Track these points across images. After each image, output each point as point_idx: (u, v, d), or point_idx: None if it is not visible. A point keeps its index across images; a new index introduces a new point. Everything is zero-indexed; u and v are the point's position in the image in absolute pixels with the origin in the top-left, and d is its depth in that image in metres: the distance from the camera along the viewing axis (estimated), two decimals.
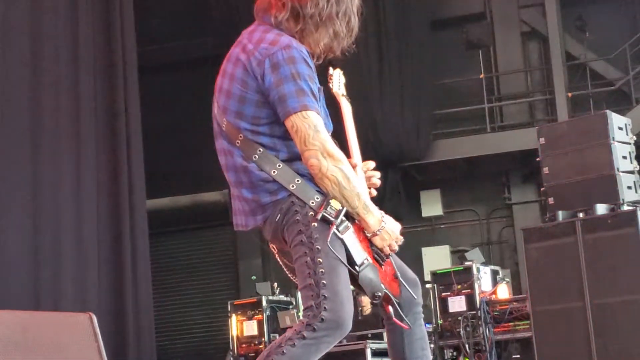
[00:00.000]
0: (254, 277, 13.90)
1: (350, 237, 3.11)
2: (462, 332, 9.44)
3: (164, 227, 14.30)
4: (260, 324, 10.91)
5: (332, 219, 3.06)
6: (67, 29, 9.17)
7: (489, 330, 9.33)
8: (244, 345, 10.99)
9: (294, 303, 11.62)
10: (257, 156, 3.14)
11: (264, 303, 11.00)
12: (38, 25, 8.74)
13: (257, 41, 3.17)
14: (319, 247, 3.05)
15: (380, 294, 3.12)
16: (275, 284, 11.83)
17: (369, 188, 3.40)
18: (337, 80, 3.59)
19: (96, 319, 5.56)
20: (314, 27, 3.21)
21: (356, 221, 3.17)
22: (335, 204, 3.08)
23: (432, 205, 14.49)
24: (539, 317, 7.31)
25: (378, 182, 3.45)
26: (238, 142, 3.18)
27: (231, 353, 11.14)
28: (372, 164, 3.47)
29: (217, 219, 15.33)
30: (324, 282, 3.03)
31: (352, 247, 3.10)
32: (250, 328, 10.97)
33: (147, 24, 12.55)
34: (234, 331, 11.08)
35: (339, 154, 3.11)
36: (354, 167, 3.30)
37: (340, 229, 3.08)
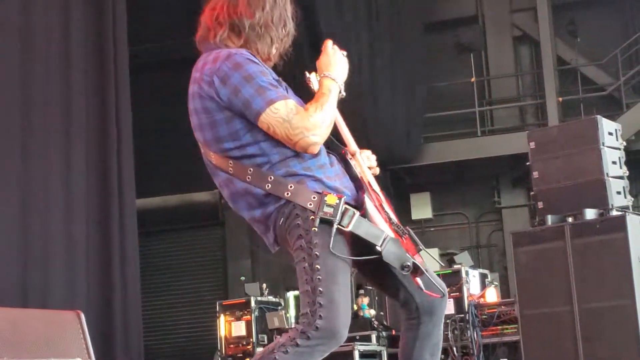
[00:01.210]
0: (243, 278, 13.88)
1: (361, 222, 3.04)
2: (450, 335, 9.44)
3: (154, 226, 14.28)
4: (248, 324, 10.90)
5: (330, 218, 3.01)
6: (58, 26, 9.15)
7: (476, 333, 9.33)
8: (232, 346, 10.98)
9: (283, 304, 11.62)
10: (249, 177, 3.12)
11: (253, 304, 10.99)
12: (28, 21, 8.71)
13: (202, 67, 3.19)
14: (318, 254, 3.01)
15: (409, 263, 3.02)
16: (264, 285, 11.83)
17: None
18: (315, 81, 3.53)
19: (84, 317, 5.55)
20: (255, 37, 3.23)
21: (370, 198, 3.14)
22: (330, 200, 3.03)
23: (421, 208, 14.50)
24: (527, 320, 7.33)
25: (376, 167, 3.42)
26: (231, 170, 3.16)
27: (219, 353, 11.12)
28: (369, 152, 3.43)
29: (206, 219, 15.33)
30: (321, 289, 2.98)
31: (365, 232, 3.03)
32: (239, 328, 10.96)
33: (139, 22, 12.52)
34: (222, 331, 11.07)
35: (314, 118, 3.08)
36: (352, 154, 3.30)
37: (344, 222, 3.02)
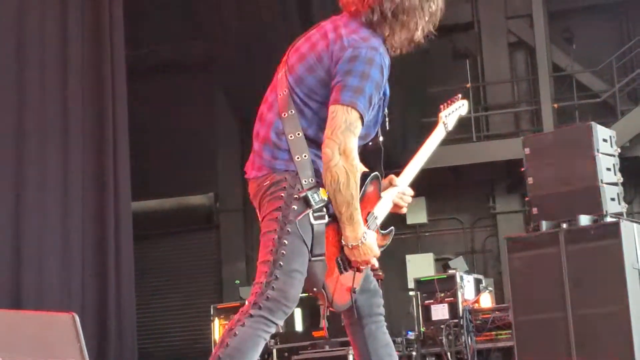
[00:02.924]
0: (237, 281, 13.90)
1: (320, 228, 3.16)
2: (444, 340, 9.47)
3: (149, 229, 14.27)
4: None
5: (312, 202, 3.12)
6: (54, 30, 9.15)
7: (471, 338, 9.35)
8: None
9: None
10: (287, 114, 3.21)
11: None
12: (24, 25, 8.71)
13: (351, 31, 3.22)
14: (289, 230, 3.12)
15: (315, 289, 3.18)
16: None
17: (399, 208, 3.52)
18: (453, 109, 3.74)
19: (79, 319, 5.56)
20: (398, 24, 3.26)
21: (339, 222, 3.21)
22: (323, 193, 3.14)
23: (416, 213, 14.51)
24: (521, 326, 7.33)
25: (405, 204, 3.57)
26: (281, 94, 3.25)
27: None
28: (410, 191, 3.62)
29: (202, 223, 15.35)
30: (281, 263, 3.10)
31: (316, 238, 3.15)
32: None
33: (137, 27, 12.54)
34: (216, 335, 11.07)
35: (355, 160, 3.14)
36: (393, 185, 3.49)
37: (315, 215, 3.13)
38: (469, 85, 14.27)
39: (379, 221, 3.38)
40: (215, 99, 14.89)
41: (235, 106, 13.98)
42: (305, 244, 3.13)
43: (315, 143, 3.19)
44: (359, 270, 3.27)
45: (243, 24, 11.80)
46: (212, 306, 11.47)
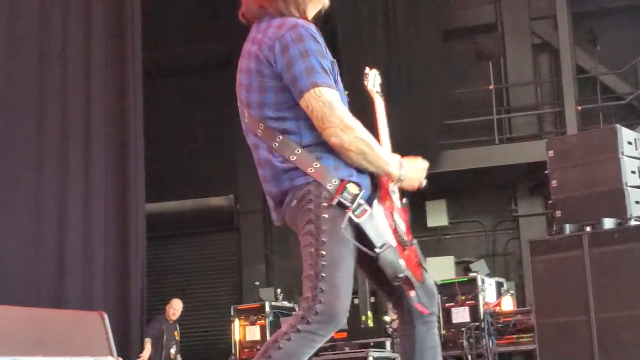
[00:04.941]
0: (257, 283, 13.89)
1: (369, 220, 3.10)
2: (465, 343, 9.41)
3: (170, 230, 14.30)
4: (262, 329, 10.92)
5: (348, 203, 3.06)
6: (77, 31, 9.19)
7: (492, 342, 9.30)
8: (246, 350, 10.99)
9: (297, 309, 11.60)
10: (277, 144, 3.16)
11: (267, 308, 11.01)
12: (47, 28, 8.74)
13: (265, 28, 3.20)
14: (325, 240, 3.06)
15: (401, 275, 3.11)
16: (279, 290, 11.82)
17: None
18: (373, 78, 3.65)
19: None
20: None
21: (381, 203, 3.19)
22: (352, 189, 3.08)
23: (437, 216, 14.46)
24: (544, 330, 7.27)
25: None
26: (259, 132, 3.21)
27: (233, 357, 11.14)
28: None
29: (222, 224, 15.35)
30: (323, 274, 3.04)
31: (370, 230, 3.09)
32: (253, 333, 10.99)
33: (157, 29, 12.57)
34: (236, 336, 11.09)
35: (355, 123, 3.11)
36: None
37: (356, 213, 3.07)
38: (492, 86, 14.20)
39: (397, 195, 3.34)
40: (235, 100, 14.89)
41: None
42: (348, 248, 3.07)
43: (318, 144, 3.15)
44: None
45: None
46: (232, 307, 11.48)
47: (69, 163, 8.87)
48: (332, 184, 3.09)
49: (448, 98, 14.09)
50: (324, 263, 3.04)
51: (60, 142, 8.82)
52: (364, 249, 3.08)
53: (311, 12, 3.32)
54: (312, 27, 3.20)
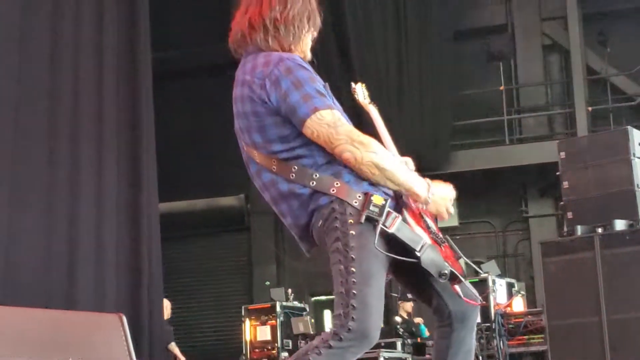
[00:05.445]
0: (268, 283, 13.93)
1: (402, 226, 3.07)
2: (476, 344, 9.43)
3: (180, 230, 14.34)
4: (273, 329, 10.95)
5: (376, 217, 3.03)
6: (88, 32, 9.22)
7: (503, 342, 9.31)
8: (257, 350, 11.03)
9: (308, 309, 11.64)
10: (293, 175, 3.15)
11: (278, 309, 11.04)
12: (58, 28, 8.77)
13: (251, 69, 3.21)
14: (354, 257, 3.03)
15: (446, 271, 3.09)
16: (290, 290, 11.85)
17: None
18: (361, 92, 3.67)
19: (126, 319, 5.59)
20: (285, 35, 3.25)
21: (407, 207, 3.17)
22: (377, 200, 3.05)
23: None
24: (555, 331, 7.29)
25: (413, 168, 3.44)
26: (274, 168, 3.19)
27: (244, 357, 11.18)
28: (409, 159, 3.48)
29: (232, 224, 15.39)
30: (354, 292, 3.01)
31: (405, 235, 3.06)
32: (264, 333, 11.02)
33: (167, 30, 12.61)
34: (247, 336, 11.12)
35: (367, 138, 3.10)
36: None
37: (387, 223, 3.04)
38: (502, 87, 14.21)
39: None
40: None
41: None
42: (379, 263, 3.05)
43: (334, 161, 3.14)
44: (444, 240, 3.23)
45: None
46: (243, 307, 11.52)
47: (81, 165, 8.89)
48: (357, 200, 3.06)
49: (459, 99, 14.10)
50: (354, 280, 3.02)
51: (72, 143, 8.83)
52: (403, 258, 3.05)
53: (300, 47, 3.30)
54: (297, 57, 3.20)
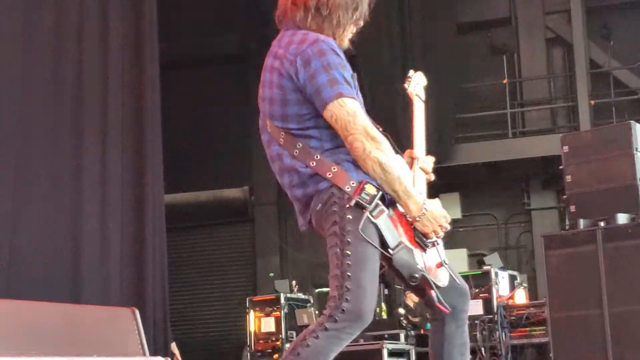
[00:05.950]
0: (272, 274, 13.97)
1: (385, 221, 3.17)
2: (478, 335, 9.47)
3: (184, 222, 14.38)
4: (277, 320, 11.00)
5: (365, 204, 3.13)
6: (95, 25, 9.24)
7: (505, 334, 9.35)
8: (261, 342, 11.07)
9: (312, 301, 11.68)
10: (297, 151, 3.25)
11: (282, 300, 11.08)
12: (62, 20, 8.78)
13: (286, 44, 3.30)
14: (349, 240, 3.13)
15: (417, 275, 3.19)
16: (294, 282, 11.90)
17: (427, 174, 3.54)
18: (415, 82, 3.76)
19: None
20: (325, 19, 3.32)
21: (397, 206, 3.25)
22: (370, 189, 3.16)
23: (450, 209, 14.44)
24: (557, 323, 7.34)
25: (430, 170, 3.57)
26: (281, 141, 3.29)
27: (248, 349, 11.22)
28: (429, 159, 3.58)
29: (236, 215, 15.43)
30: (349, 274, 3.11)
31: (385, 231, 3.16)
32: (268, 325, 11.06)
33: (172, 21, 12.62)
34: (251, 327, 11.16)
35: (381, 137, 3.19)
36: (413, 158, 3.48)
37: (374, 213, 3.14)
38: (505, 80, 14.24)
39: (424, 196, 3.41)
40: (250, 92, 14.95)
41: None
42: (374, 246, 3.14)
43: (340, 148, 3.23)
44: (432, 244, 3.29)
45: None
46: (247, 298, 11.55)
47: (86, 157, 8.90)
48: (350, 186, 3.16)
49: (462, 92, 14.13)
50: (349, 262, 3.12)
51: (77, 134, 8.85)
52: (380, 249, 3.16)
53: (340, 35, 3.37)
54: (333, 42, 3.28)
